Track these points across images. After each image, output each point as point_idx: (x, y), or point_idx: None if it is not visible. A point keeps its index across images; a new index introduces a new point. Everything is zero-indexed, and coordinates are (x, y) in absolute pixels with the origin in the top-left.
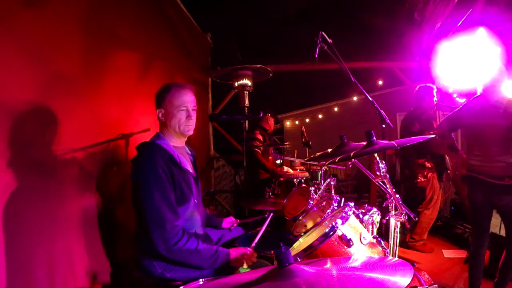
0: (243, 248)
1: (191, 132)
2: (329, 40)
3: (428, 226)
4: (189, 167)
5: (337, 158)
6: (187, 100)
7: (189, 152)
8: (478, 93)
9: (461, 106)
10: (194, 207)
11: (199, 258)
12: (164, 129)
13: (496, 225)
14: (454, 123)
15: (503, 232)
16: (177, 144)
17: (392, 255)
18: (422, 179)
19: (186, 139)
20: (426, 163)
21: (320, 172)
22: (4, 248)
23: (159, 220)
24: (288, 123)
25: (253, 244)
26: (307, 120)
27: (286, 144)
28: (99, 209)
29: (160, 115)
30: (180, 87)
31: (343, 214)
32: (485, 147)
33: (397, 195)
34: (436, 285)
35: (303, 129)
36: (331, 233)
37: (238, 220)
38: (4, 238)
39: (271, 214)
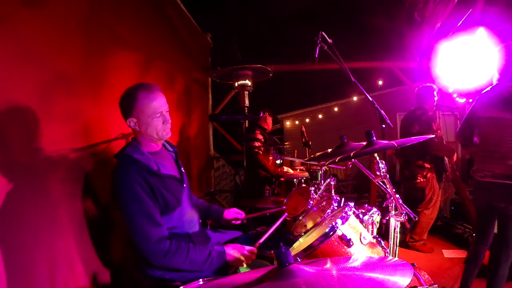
0: (240, 246)
1: (169, 135)
2: (329, 40)
3: (428, 226)
4: (171, 169)
5: (337, 158)
6: (159, 105)
7: (170, 149)
8: (495, 82)
9: (474, 101)
10: (185, 209)
11: (192, 265)
12: (138, 136)
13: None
14: (471, 122)
15: None
16: (154, 149)
17: (392, 255)
18: (422, 180)
19: (161, 142)
20: (425, 164)
21: (320, 172)
22: (5, 248)
23: (144, 238)
24: (288, 123)
25: (258, 243)
26: (307, 120)
27: (286, 144)
28: (99, 210)
29: (132, 124)
30: (148, 92)
31: (343, 214)
32: (497, 143)
33: (397, 195)
34: (436, 285)
35: (303, 129)
36: (331, 233)
37: (244, 214)
38: (4, 238)
39: (285, 214)
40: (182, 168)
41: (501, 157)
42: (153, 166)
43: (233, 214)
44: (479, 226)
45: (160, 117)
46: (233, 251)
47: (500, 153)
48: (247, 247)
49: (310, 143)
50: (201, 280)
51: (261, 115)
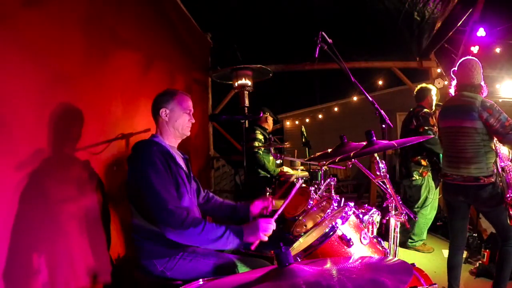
0: (257, 225)
1: (188, 134)
2: (329, 40)
3: (426, 226)
4: (183, 165)
5: (337, 158)
6: (191, 105)
7: (182, 156)
8: (452, 93)
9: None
10: (189, 204)
11: (207, 237)
12: (163, 128)
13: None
14: (439, 134)
15: None
16: (172, 143)
17: (392, 255)
18: (417, 177)
19: (180, 141)
20: (421, 160)
21: (320, 172)
22: (5, 247)
23: (161, 204)
24: (288, 123)
25: (276, 216)
26: (307, 120)
27: (286, 144)
28: (99, 209)
29: (163, 114)
30: (185, 94)
31: (343, 214)
32: (460, 150)
33: (397, 195)
34: (436, 285)
35: (303, 129)
36: (331, 233)
37: (270, 200)
38: (4, 237)
39: (300, 181)
40: (191, 173)
41: (466, 162)
42: (172, 153)
43: (260, 207)
44: (451, 225)
45: (188, 114)
46: (250, 231)
47: (465, 158)
48: (264, 223)
49: (310, 143)
50: (201, 280)
51: (261, 115)
